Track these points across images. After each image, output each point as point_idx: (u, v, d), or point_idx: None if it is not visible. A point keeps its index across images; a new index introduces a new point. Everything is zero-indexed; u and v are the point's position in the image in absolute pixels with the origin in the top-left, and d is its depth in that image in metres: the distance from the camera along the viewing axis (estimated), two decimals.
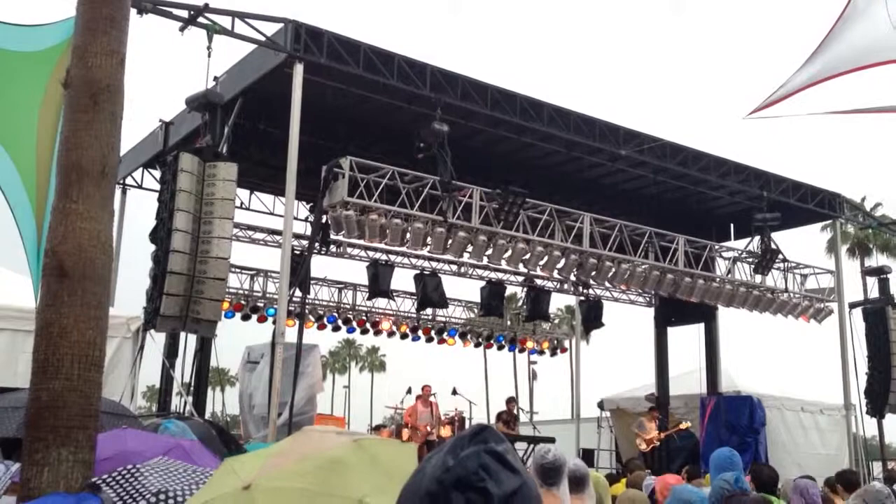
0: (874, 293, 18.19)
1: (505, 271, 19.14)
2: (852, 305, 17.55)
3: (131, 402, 10.72)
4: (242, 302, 17.86)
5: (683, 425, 17.26)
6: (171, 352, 11.86)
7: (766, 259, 16.08)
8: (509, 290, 21.20)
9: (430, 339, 20.67)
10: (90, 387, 4.12)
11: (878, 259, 38.61)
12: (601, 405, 21.12)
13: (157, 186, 11.64)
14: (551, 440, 14.63)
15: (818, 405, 19.37)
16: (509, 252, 13.64)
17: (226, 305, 15.86)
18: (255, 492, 2.61)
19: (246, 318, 17.85)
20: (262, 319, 17.96)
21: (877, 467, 20.79)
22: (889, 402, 16.89)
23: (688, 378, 19.16)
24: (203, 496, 2.88)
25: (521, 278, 20.30)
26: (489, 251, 13.49)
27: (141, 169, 15.40)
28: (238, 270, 17.76)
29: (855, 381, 16.82)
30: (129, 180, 15.50)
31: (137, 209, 16.15)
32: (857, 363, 16.87)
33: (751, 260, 16.43)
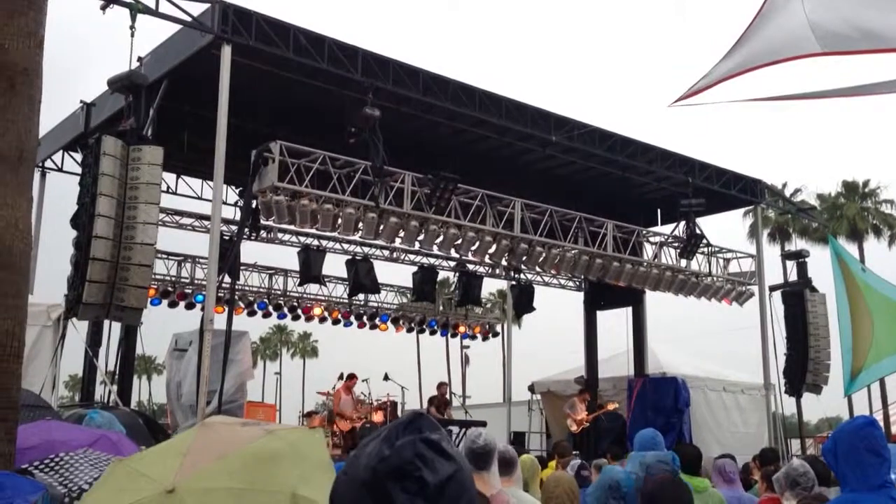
0: (793, 276, 18.88)
1: (437, 256, 19.19)
2: (772, 288, 18.17)
3: (52, 391, 10.42)
4: (170, 288, 17.51)
5: (611, 406, 17.65)
6: (94, 340, 11.54)
7: (691, 244, 16.49)
8: (441, 275, 21.30)
9: (362, 325, 20.63)
10: (9, 378, 4.01)
11: (796, 243, 39.97)
12: (532, 388, 21.41)
13: (79, 170, 11.27)
14: (483, 424, 14.84)
15: (739, 385, 19.98)
16: (441, 237, 13.68)
17: (152, 292, 15.53)
18: (183, 495, 2.46)
19: (173, 305, 17.52)
20: (190, 306, 17.65)
21: (795, 444, 21.66)
22: (806, 381, 17.58)
23: (616, 360, 19.57)
24: (116, 501, 2.68)
25: (452, 263, 20.37)
26: (421, 237, 13.50)
27: (61, 152, 14.89)
28: (165, 256, 17.39)
29: (774, 362, 17.43)
30: (48, 163, 14.99)
31: (57, 193, 15.67)
32: (777, 344, 17.50)
33: (676, 245, 16.82)
